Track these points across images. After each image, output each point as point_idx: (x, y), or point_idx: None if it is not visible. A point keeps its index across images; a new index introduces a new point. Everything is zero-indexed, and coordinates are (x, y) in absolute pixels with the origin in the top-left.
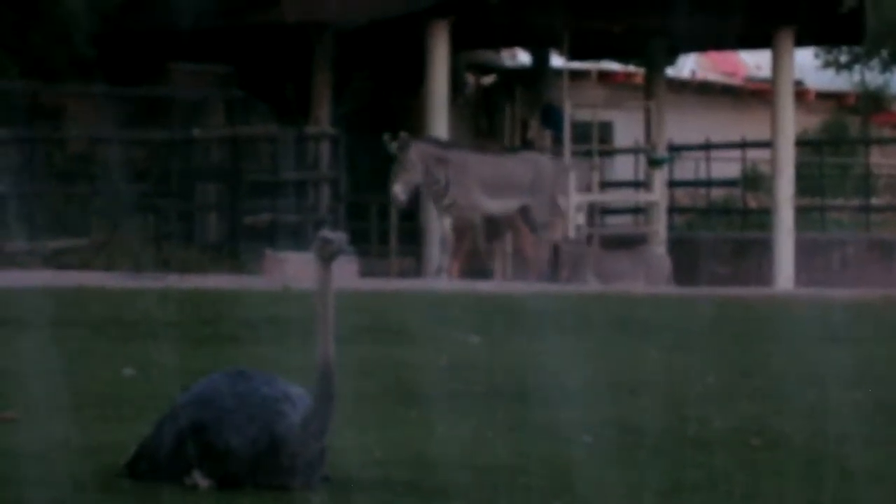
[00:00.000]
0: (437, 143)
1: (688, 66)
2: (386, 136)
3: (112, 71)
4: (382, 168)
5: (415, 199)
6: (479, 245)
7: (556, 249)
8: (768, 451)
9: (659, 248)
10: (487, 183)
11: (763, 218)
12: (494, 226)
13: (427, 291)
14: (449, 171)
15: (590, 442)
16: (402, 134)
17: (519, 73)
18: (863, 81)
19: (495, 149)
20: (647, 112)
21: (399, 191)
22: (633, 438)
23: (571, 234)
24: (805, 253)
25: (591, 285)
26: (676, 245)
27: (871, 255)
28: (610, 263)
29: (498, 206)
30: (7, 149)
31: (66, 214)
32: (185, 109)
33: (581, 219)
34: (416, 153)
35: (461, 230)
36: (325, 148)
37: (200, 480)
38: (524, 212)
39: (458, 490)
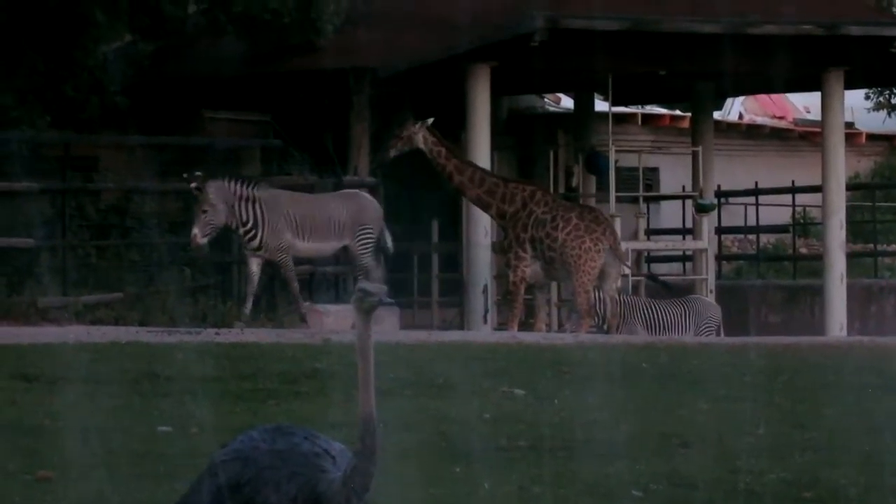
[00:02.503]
0: (243, 181)
1: (735, 108)
2: (185, 175)
3: (146, 120)
4: (424, 217)
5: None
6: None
7: (604, 300)
8: None
9: (708, 297)
10: (300, 223)
11: (814, 264)
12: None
13: (470, 343)
14: (257, 211)
15: (640, 496)
16: (198, 173)
17: (562, 118)
18: None
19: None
20: (694, 157)
21: (198, 233)
22: (683, 492)
23: (617, 283)
24: (858, 300)
25: (639, 335)
26: (725, 293)
27: None
28: (658, 313)
29: (311, 247)
30: (39, 201)
31: (100, 268)
32: (220, 158)
33: (627, 267)
34: (216, 193)
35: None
36: None
37: None
38: (344, 253)
39: None
